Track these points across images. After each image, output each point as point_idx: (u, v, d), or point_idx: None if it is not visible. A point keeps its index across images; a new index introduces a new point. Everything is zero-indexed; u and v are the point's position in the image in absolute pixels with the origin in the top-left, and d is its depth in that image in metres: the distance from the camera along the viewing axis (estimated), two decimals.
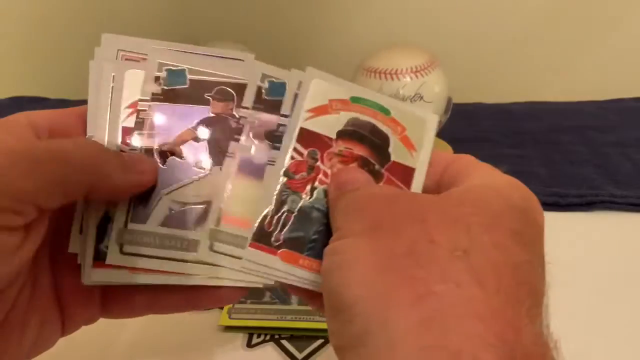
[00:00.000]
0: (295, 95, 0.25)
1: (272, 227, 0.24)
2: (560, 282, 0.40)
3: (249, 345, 0.33)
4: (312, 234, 0.24)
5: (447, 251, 0.18)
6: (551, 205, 0.48)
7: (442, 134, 0.54)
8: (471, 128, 0.62)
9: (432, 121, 0.27)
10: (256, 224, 0.23)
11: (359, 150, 0.25)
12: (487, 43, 0.72)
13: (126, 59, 0.25)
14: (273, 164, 0.24)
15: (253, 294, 0.36)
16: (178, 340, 0.34)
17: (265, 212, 0.24)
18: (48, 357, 0.32)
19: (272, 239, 0.23)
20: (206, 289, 0.24)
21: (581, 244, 0.44)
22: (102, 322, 0.35)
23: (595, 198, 0.47)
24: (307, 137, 0.25)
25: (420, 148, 0.26)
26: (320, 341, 0.33)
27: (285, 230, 0.24)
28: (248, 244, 0.23)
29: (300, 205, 0.24)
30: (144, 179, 0.23)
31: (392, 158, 0.26)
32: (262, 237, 0.23)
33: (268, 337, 0.34)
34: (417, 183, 0.26)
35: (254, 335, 0.34)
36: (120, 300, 0.25)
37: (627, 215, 0.46)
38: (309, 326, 0.34)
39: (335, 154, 0.25)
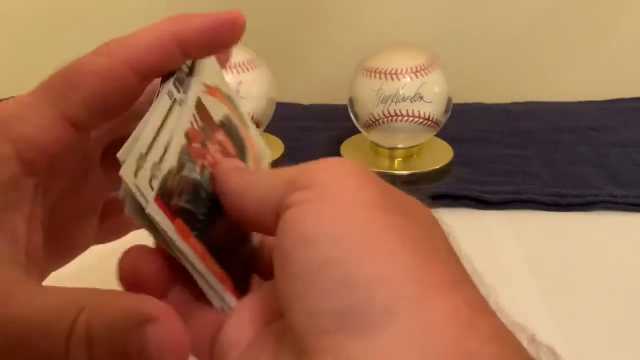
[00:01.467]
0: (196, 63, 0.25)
1: (173, 190, 0.21)
2: (561, 282, 0.40)
3: None
4: (200, 215, 0.22)
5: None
6: (551, 205, 0.48)
7: (442, 134, 0.54)
8: (471, 128, 0.62)
9: (267, 158, 0.29)
10: (160, 179, 0.20)
11: (231, 150, 0.25)
12: (487, 43, 0.72)
13: None
14: (180, 106, 0.23)
15: None
16: None
17: (169, 168, 0.21)
18: None
19: (172, 201, 0.21)
20: None
21: (581, 244, 0.44)
22: None
23: (595, 198, 0.47)
24: (202, 111, 0.24)
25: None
26: None
27: (182, 197, 0.21)
28: (153, 197, 0.20)
29: (194, 177, 0.22)
30: None
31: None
32: (165, 196, 0.20)
33: None
34: None
35: None
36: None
37: (627, 215, 0.46)
38: None
39: (218, 143, 0.24)
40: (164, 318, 0.18)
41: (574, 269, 0.41)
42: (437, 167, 0.52)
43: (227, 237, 0.23)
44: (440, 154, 0.54)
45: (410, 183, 0.50)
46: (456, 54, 0.69)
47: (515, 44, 0.72)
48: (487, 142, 0.59)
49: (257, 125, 0.51)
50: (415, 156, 0.53)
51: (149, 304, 0.19)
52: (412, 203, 0.20)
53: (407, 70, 0.48)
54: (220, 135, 0.24)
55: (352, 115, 0.52)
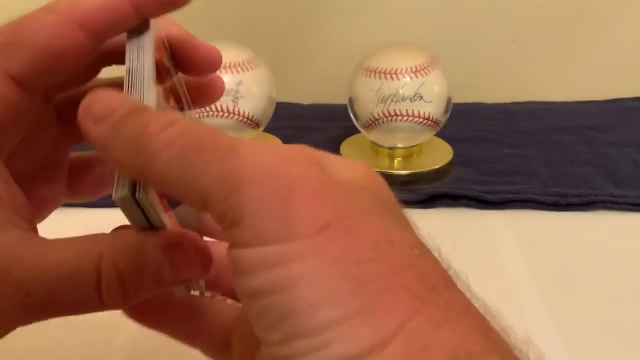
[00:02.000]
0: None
1: None
2: (561, 282, 0.40)
3: None
4: None
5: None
6: (551, 205, 0.48)
7: (442, 134, 0.54)
8: (471, 128, 0.62)
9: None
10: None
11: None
12: (487, 43, 0.72)
13: None
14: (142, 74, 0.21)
15: None
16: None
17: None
18: None
19: None
20: None
21: (581, 244, 0.44)
22: (99, 321, 0.35)
23: (595, 198, 0.47)
24: (158, 68, 0.22)
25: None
26: None
27: None
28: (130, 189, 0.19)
29: None
30: None
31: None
32: None
33: None
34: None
35: None
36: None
37: (627, 215, 0.46)
38: None
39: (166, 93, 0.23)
40: (184, 240, 0.19)
41: (574, 269, 0.41)
42: (437, 167, 0.52)
43: None
44: (440, 154, 0.54)
45: (411, 183, 0.50)
46: (456, 54, 0.69)
47: (515, 44, 0.72)
48: (487, 142, 0.59)
49: (257, 125, 0.51)
50: (415, 156, 0.53)
51: (164, 233, 0.20)
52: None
53: (407, 70, 0.48)
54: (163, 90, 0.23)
55: (352, 115, 0.52)
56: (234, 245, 0.17)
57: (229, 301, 0.25)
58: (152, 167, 0.17)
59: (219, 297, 0.25)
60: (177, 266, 0.20)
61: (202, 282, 0.23)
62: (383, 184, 0.19)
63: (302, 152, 0.18)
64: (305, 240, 0.16)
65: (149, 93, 0.20)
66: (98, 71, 0.26)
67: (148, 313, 0.23)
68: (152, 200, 0.19)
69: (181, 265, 0.20)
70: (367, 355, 0.15)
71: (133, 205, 0.19)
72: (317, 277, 0.16)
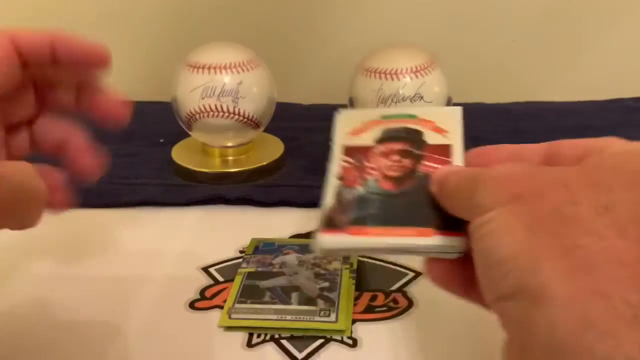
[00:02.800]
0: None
1: (335, 214, 0.28)
2: None
3: (249, 345, 0.33)
4: (371, 211, 0.27)
5: (590, 209, 0.20)
6: None
7: None
8: (471, 128, 0.62)
9: (457, 110, 0.33)
10: (322, 215, 0.28)
11: (396, 146, 0.30)
12: (487, 43, 0.72)
13: None
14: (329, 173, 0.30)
15: (253, 294, 0.36)
16: (177, 340, 0.34)
17: (329, 205, 0.28)
18: None
19: (337, 222, 0.27)
20: None
21: None
22: (100, 321, 0.35)
23: None
24: (349, 150, 0.31)
25: (452, 130, 0.32)
26: (320, 341, 0.33)
27: (349, 213, 0.27)
28: (319, 230, 0.27)
29: (357, 194, 0.28)
30: None
31: (428, 142, 0.30)
32: (328, 223, 0.27)
33: (268, 337, 0.34)
34: (457, 155, 0.30)
35: (254, 335, 0.34)
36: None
37: None
38: (309, 326, 0.34)
39: (377, 154, 0.30)
40: None
41: None
42: None
43: (414, 197, 0.28)
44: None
45: None
46: (456, 54, 0.69)
47: (516, 44, 0.73)
48: (488, 142, 0.59)
49: (257, 125, 0.51)
50: None
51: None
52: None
53: (407, 70, 0.48)
54: (380, 147, 0.30)
55: None
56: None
57: None
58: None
59: None
60: None
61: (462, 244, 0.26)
62: None
63: None
64: None
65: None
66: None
67: (438, 276, 0.27)
68: None
69: None
70: None
71: None
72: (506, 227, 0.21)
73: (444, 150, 0.30)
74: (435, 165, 0.29)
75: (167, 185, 0.50)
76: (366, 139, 0.31)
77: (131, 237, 0.44)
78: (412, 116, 0.32)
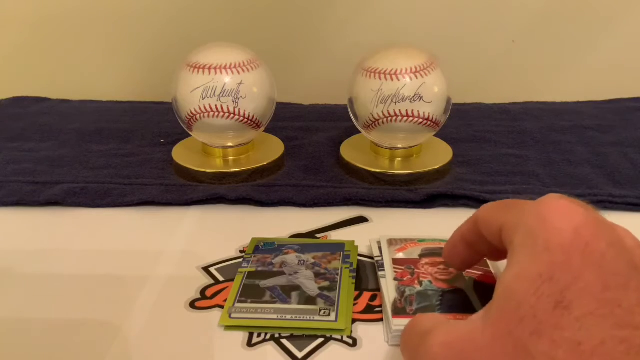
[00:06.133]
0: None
1: (402, 305, 0.34)
2: None
3: (249, 344, 0.33)
4: (435, 302, 0.35)
5: None
6: None
7: (442, 134, 0.54)
8: (471, 128, 0.62)
9: None
10: (390, 306, 0.34)
11: (438, 259, 0.39)
12: (487, 43, 0.72)
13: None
14: (384, 277, 0.37)
15: (253, 294, 0.37)
16: (177, 339, 0.34)
17: (394, 298, 0.35)
18: None
19: (407, 310, 0.34)
20: None
21: None
22: (100, 321, 0.35)
23: (594, 198, 0.47)
24: (398, 261, 0.39)
25: None
26: (320, 340, 0.34)
27: (412, 305, 0.34)
28: (391, 316, 0.34)
29: (416, 290, 0.36)
30: None
31: None
32: (398, 311, 0.34)
33: (268, 337, 0.34)
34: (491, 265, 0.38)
35: (254, 335, 0.34)
36: None
37: (626, 215, 0.46)
38: (309, 325, 0.34)
39: (424, 264, 0.38)
40: None
41: None
42: (437, 167, 0.52)
43: (466, 294, 0.36)
44: (439, 154, 0.54)
45: (410, 183, 0.50)
46: (456, 54, 0.69)
47: (515, 44, 0.73)
48: (487, 142, 0.60)
49: (258, 125, 0.52)
50: (414, 156, 0.53)
51: None
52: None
53: (407, 70, 0.48)
54: (424, 261, 0.39)
55: (352, 115, 0.52)
56: None
57: None
58: None
59: None
60: None
61: None
62: None
63: None
64: None
65: None
66: None
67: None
68: None
69: None
70: None
71: None
72: None
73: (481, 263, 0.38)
74: (478, 273, 0.37)
75: (167, 185, 0.50)
76: (411, 253, 0.39)
77: (131, 237, 0.44)
78: (443, 240, 0.39)
